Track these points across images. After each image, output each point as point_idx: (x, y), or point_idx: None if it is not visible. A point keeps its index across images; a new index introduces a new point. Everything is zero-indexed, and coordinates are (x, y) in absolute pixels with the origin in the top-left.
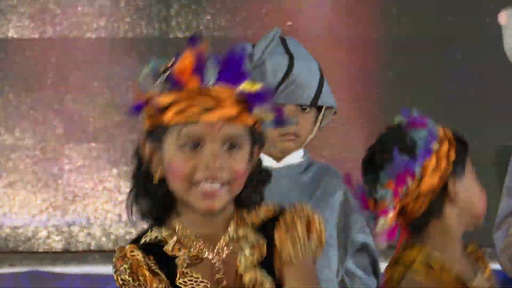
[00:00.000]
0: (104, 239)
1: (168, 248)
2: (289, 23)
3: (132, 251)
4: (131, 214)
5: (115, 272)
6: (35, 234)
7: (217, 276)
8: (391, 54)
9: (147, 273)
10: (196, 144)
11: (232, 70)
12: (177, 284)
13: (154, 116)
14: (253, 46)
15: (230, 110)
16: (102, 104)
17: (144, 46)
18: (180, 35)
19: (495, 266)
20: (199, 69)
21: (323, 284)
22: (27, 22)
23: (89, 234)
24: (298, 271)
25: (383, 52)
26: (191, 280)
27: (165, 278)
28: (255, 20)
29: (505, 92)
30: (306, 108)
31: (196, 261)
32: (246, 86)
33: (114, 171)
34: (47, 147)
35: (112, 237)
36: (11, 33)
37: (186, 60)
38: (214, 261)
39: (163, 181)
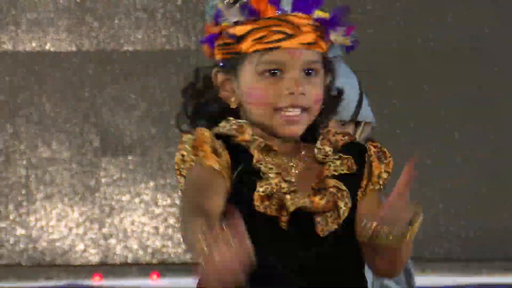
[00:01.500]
0: (141, 252)
1: (244, 136)
2: None
3: (201, 130)
4: (181, 121)
5: (179, 148)
6: (72, 248)
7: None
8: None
9: (209, 149)
10: (275, 71)
11: (309, 5)
12: (253, 165)
13: (228, 46)
14: None
15: (309, 36)
16: (139, 116)
17: (180, 58)
18: None
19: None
20: None
21: None
22: (64, 35)
23: (126, 247)
24: (378, 197)
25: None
26: (266, 166)
27: (226, 163)
28: None
29: None
30: (345, 123)
31: (271, 153)
32: (319, 13)
33: (151, 183)
34: (83, 160)
35: (149, 250)
36: (48, 46)
37: None
38: (292, 163)
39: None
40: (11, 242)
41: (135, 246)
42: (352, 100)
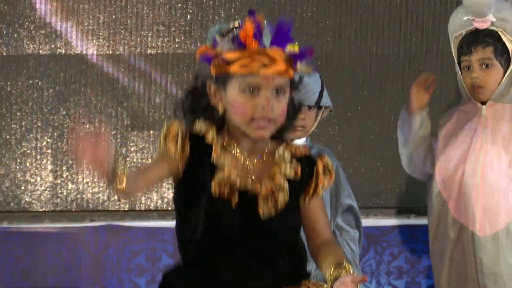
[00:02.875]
0: (159, 201)
1: (208, 136)
2: None
3: (175, 122)
4: (178, 112)
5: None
6: (109, 198)
7: (243, 173)
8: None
9: (171, 139)
10: (253, 90)
11: (281, 36)
12: (212, 161)
13: (221, 66)
14: None
15: (281, 66)
16: (158, 102)
17: (189, 60)
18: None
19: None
20: (257, 34)
21: None
22: (104, 42)
23: (148, 197)
24: (321, 202)
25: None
26: (223, 161)
27: (181, 153)
28: None
29: None
30: (311, 107)
31: (228, 152)
32: (291, 48)
33: None
34: (117, 134)
35: (166, 200)
36: (92, 51)
37: (248, 27)
38: (248, 162)
39: (214, 109)
40: (64, 194)
41: (155, 197)
42: (316, 90)
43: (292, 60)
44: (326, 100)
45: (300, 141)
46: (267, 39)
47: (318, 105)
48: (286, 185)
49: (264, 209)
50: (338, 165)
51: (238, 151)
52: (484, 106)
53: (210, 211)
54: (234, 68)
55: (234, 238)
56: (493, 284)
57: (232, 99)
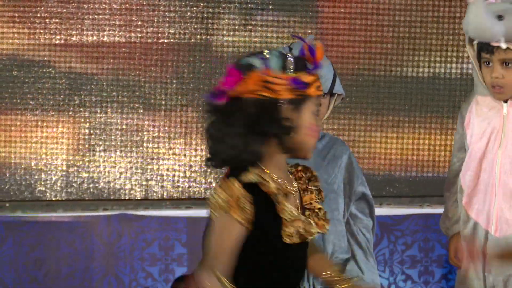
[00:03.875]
0: (173, 190)
1: (270, 187)
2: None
3: (233, 184)
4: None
5: (216, 194)
6: (122, 187)
7: (296, 203)
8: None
9: (236, 205)
10: (317, 109)
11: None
12: (279, 213)
13: (297, 90)
14: (289, 47)
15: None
16: (172, 91)
17: (202, 48)
18: (228, 39)
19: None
20: (313, 53)
21: (333, 222)
22: (117, 31)
23: (162, 186)
24: None
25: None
26: (288, 210)
27: (249, 215)
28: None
29: None
30: (324, 95)
31: (285, 194)
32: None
33: (181, 140)
34: (131, 122)
35: (179, 189)
36: (105, 39)
37: (320, 51)
38: (294, 194)
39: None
40: (78, 183)
41: (169, 186)
42: (329, 78)
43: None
44: (338, 88)
45: None
46: (315, 60)
47: (331, 93)
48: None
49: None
50: (351, 153)
51: (289, 186)
52: (505, 104)
53: (284, 257)
54: (311, 91)
55: (302, 273)
56: (503, 285)
57: (307, 122)
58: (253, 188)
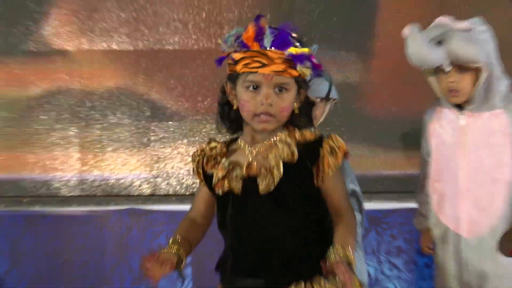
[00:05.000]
0: (178, 187)
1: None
2: None
3: (192, 157)
4: (218, 126)
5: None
6: (131, 183)
7: (250, 160)
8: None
9: (195, 167)
10: (255, 86)
11: (282, 39)
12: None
13: (231, 65)
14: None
15: (279, 66)
16: (176, 95)
17: (205, 55)
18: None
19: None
20: (259, 37)
21: None
22: (125, 39)
23: (168, 183)
24: (334, 179)
25: None
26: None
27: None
28: None
29: None
30: (322, 99)
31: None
32: (292, 50)
33: (185, 141)
34: (139, 124)
35: (184, 185)
36: (114, 46)
37: (250, 30)
38: (253, 152)
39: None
40: (90, 180)
41: (174, 183)
42: (326, 84)
43: (291, 61)
44: (334, 93)
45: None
46: (268, 41)
47: (327, 97)
48: (280, 164)
49: (263, 186)
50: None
51: (242, 144)
52: (462, 116)
53: (221, 206)
54: (239, 67)
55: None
56: (478, 282)
57: (239, 96)
58: (231, 142)
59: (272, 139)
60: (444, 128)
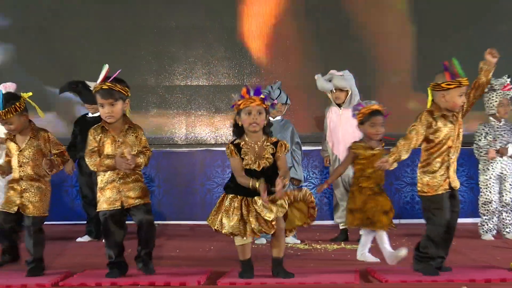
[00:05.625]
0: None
1: (241, 144)
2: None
3: (229, 145)
4: (233, 133)
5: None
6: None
7: (256, 155)
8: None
9: (233, 152)
10: (249, 113)
11: (257, 91)
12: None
13: (237, 106)
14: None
15: (258, 102)
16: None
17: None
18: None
19: None
20: (248, 92)
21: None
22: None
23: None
24: (283, 159)
25: None
26: (246, 151)
27: (238, 155)
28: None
29: None
30: (283, 104)
31: (248, 149)
32: (262, 96)
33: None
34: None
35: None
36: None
37: (244, 91)
38: (256, 149)
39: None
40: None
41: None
42: (284, 97)
43: (262, 100)
44: (289, 101)
45: (277, 118)
46: (252, 93)
47: (286, 103)
48: (270, 156)
49: (263, 165)
50: (293, 126)
51: (251, 143)
52: (340, 110)
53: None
54: (241, 106)
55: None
56: None
57: (243, 119)
58: (237, 145)
59: (261, 140)
60: (333, 115)
